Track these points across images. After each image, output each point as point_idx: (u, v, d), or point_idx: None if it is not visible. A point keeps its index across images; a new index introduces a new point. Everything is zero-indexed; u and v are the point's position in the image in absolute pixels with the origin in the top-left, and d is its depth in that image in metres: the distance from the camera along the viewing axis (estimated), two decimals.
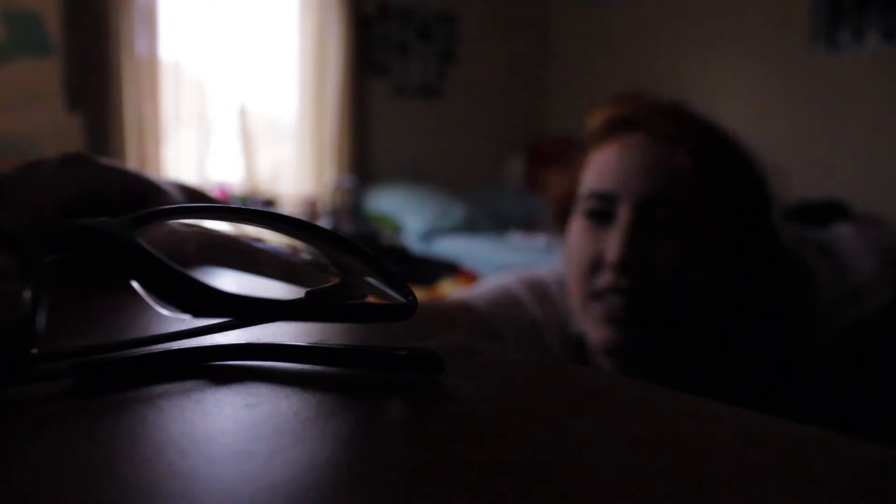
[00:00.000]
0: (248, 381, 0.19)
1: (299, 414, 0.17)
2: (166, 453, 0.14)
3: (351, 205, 3.40)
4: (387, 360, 0.20)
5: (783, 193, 0.78)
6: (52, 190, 0.31)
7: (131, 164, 2.83)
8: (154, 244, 0.19)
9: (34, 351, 0.17)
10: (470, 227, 3.12)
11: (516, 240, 2.89)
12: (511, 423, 0.17)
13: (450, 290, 2.53)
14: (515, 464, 0.15)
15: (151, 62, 3.03)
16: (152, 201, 0.34)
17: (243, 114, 3.28)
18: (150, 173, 0.37)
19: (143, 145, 3.02)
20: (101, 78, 2.94)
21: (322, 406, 0.17)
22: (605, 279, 0.69)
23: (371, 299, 0.22)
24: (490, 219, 3.22)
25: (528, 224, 3.15)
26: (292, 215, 0.23)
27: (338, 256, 0.23)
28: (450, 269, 2.90)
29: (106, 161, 0.34)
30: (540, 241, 2.71)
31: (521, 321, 0.79)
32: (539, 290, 0.82)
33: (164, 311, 0.20)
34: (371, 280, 0.22)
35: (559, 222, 0.79)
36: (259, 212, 0.23)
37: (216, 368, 0.20)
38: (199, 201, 0.39)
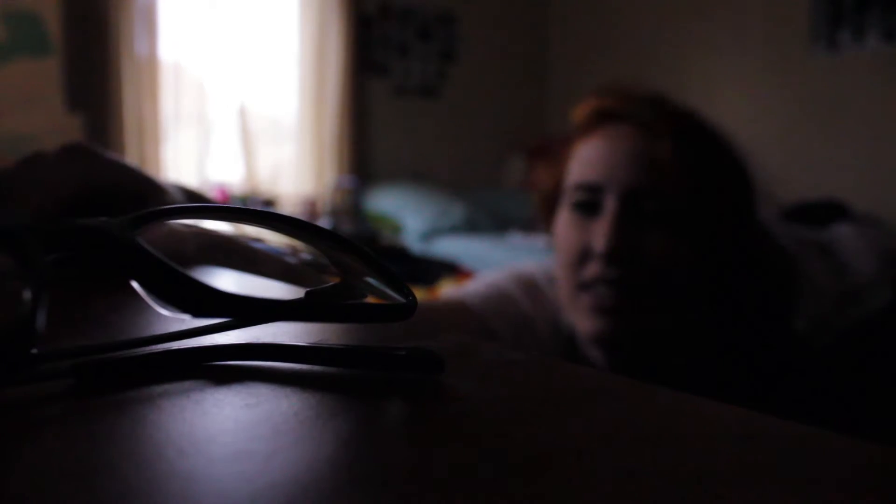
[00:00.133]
0: (248, 381, 0.19)
1: (299, 414, 0.17)
2: (166, 453, 0.14)
3: (351, 205, 3.40)
4: (387, 360, 0.20)
5: (781, 193, 0.78)
6: (54, 184, 0.31)
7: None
8: (154, 244, 0.19)
9: (34, 351, 0.17)
10: (470, 227, 3.12)
11: (516, 240, 2.89)
12: (511, 423, 0.17)
13: (449, 290, 2.53)
14: (515, 464, 0.15)
15: (151, 62, 3.03)
16: (152, 198, 0.34)
17: (243, 114, 3.28)
18: (150, 172, 0.37)
19: (143, 145, 3.02)
20: (101, 78, 2.94)
21: (322, 406, 0.17)
22: (593, 269, 0.70)
23: (371, 299, 0.22)
24: (490, 219, 3.22)
25: (528, 224, 3.15)
26: (292, 215, 0.23)
27: (338, 256, 0.23)
28: (450, 269, 2.90)
29: (106, 154, 0.34)
30: (540, 241, 2.71)
31: (514, 317, 0.80)
32: (529, 285, 0.82)
33: (163, 311, 0.20)
34: (371, 280, 0.22)
35: (545, 216, 0.79)
36: (259, 212, 0.23)
37: (216, 368, 0.20)
38: (197, 202, 0.39)
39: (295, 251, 0.36)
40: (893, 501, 0.14)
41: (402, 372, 0.20)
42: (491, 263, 2.68)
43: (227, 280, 0.33)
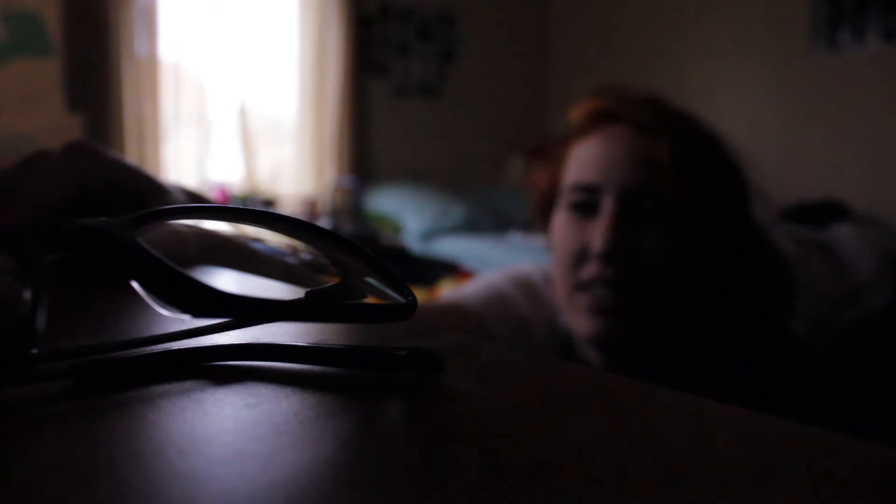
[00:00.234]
0: (248, 381, 0.19)
1: (299, 414, 0.17)
2: (166, 453, 0.14)
3: (351, 205, 3.40)
4: (387, 360, 0.20)
5: (781, 193, 0.79)
6: (55, 183, 0.31)
7: None
8: (154, 244, 0.19)
9: (34, 351, 0.17)
10: (470, 227, 3.12)
11: (516, 240, 2.89)
12: (511, 423, 0.17)
13: (449, 290, 2.53)
14: (515, 464, 0.15)
15: (151, 62, 3.03)
16: (153, 198, 0.34)
17: (243, 114, 3.28)
18: (150, 172, 0.37)
19: (143, 145, 3.02)
20: (101, 78, 2.94)
21: (322, 406, 0.17)
22: (590, 270, 0.70)
23: (371, 299, 0.22)
24: (490, 219, 3.22)
25: (528, 224, 3.15)
26: (292, 215, 0.23)
27: (338, 256, 0.23)
28: (450, 269, 2.90)
29: (108, 152, 0.34)
30: (540, 240, 2.71)
31: (512, 319, 0.80)
32: (527, 286, 0.83)
33: (163, 311, 0.20)
34: (371, 280, 0.22)
35: (542, 217, 0.79)
36: (259, 212, 0.23)
37: (216, 368, 0.20)
38: (197, 202, 0.39)
39: (295, 251, 0.36)
40: (893, 501, 0.14)
41: (402, 372, 0.20)
42: (491, 263, 2.67)
43: (227, 280, 0.33)
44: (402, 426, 0.17)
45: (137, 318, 0.25)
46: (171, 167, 3.12)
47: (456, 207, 3.20)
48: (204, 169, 3.22)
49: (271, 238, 0.34)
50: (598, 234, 0.69)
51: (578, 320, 0.72)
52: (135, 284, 0.19)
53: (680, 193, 0.70)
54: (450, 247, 3.00)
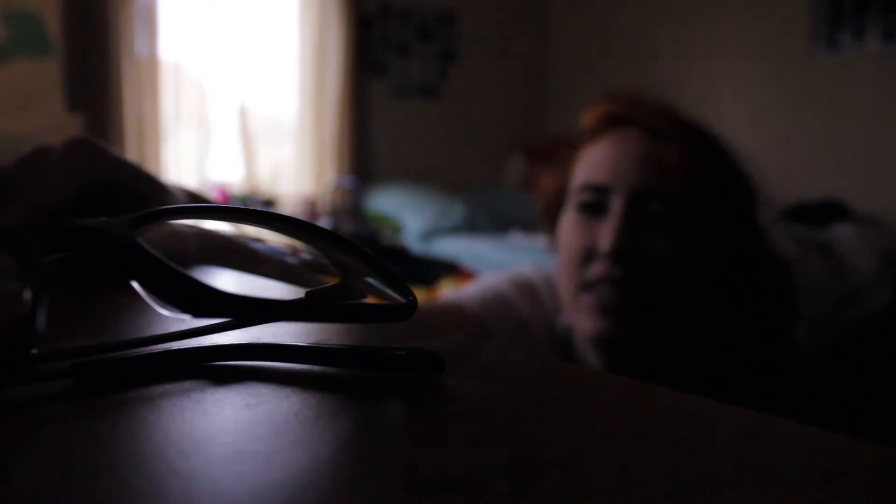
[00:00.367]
0: (248, 381, 0.19)
1: (299, 414, 0.17)
2: (166, 453, 0.14)
3: (351, 205, 3.40)
4: (387, 360, 0.20)
5: (781, 193, 0.79)
6: (57, 181, 0.31)
7: None
8: (154, 244, 0.19)
9: (34, 351, 0.17)
10: (470, 227, 3.12)
11: (516, 240, 2.89)
12: (511, 423, 0.17)
13: (449, 290, 2.53)
14: (515, 464, 0.15)
15: (151, 62, 3.03)
16: (154, 197, 0.34)
17: (243, 114, 3.28)
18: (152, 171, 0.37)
19: (143, 145, 3.02)
20: (101, 78, 2.94)
21: (322, 406, 0.17)
22: (596, 269, 0.70)
23: (371, 299, 0.22)
24: (490, 219, 3.22)
25: (528, 224, 3.15)
26: (292, 215, 0.23)
27: (338, 256, 0.23)
28: (450, 269, 2.90)
29: (110, 150, 0.34)
30: (540, 241, 2.71)
31: (510, 320, 0.80)
32: (526, 288, 0.83)
33: (163, 312, 0.20)
34: (371, 280, 0.22)
35: (549, 219, 0.80)
36: (259, 212, 0.23)
37: (216, 368, 0.20)
38: (198, 202, 0.39)
39: (295, 251, 0.36)
40: (893, 501, 0.14)
41: (402, 372, 0.20)
42: (491, 263, 2.68)
43: (227, 280, 0.33)
44: (402, 426, 0.17)
45: (137, 318, 0.25)
46: (171, 167, 3.12)
47: (456, 207, 3.20)
48: (204, 169, 3.22)
49: (271, 238, 0.34)
50: (605, 233, 0.70)
51: (582, 320, 0.72)
52: (135, 284, 0.19)
53: (688, 196, 0.70)
54: (450, 247, 3.00)
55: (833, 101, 2.91)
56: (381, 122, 3.64)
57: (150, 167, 3.09)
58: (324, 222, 3.14)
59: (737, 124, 2.52)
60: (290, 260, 0.36)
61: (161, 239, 0.24)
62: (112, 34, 2.93)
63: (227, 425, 0.16)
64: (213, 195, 2.99)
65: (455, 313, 0.80)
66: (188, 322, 0.21)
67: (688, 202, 0.70)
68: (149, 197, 0.33)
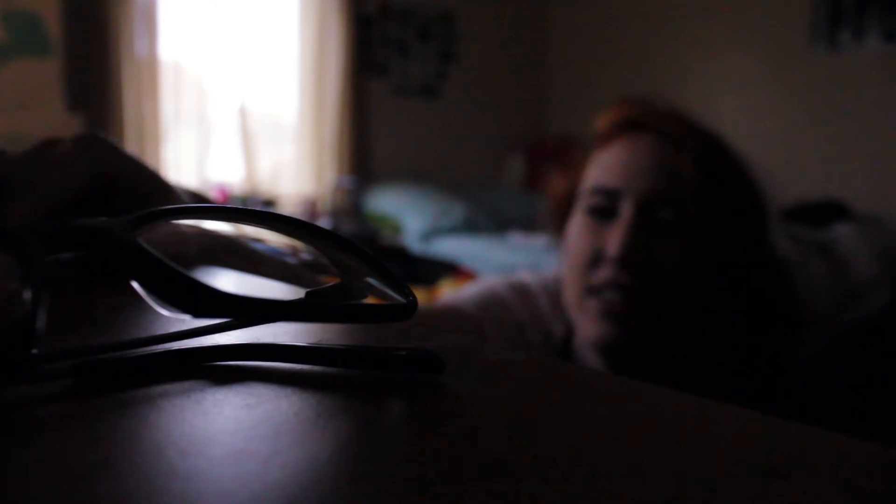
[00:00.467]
0: (248, 381, 0.19)
1: (299, 414, 0.17)
2: (166, 453, 0.14)
3: (351, 205, 3.40)
4: (387, 360, 0.20)
5: (781, 193, 0.79)
6: (67, 175, 0.31)
7: None
8: (154, 244, 0.19)
9: (34, 351, 0.17)
10: (470, 227, 3.12)
11: (516, 240, 2.89)
12: (511, 422, 0.17)
13: (449, 290, 2.53)
14: (515, 464, 0.15)
15: (151, 62, 3.03)
16: (159, 196, 0.34)
17: (243, 114, 3.28)
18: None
19: (143, 145, 3.02)
20: (101, 78, 2.94)
21: (322, 406, 0.17)
22: (604, 274, 0.70)
23: (371, 299, 0.22)
24: (490, 219, 3.22)
25: (528, 224, 3.15)
26: (292, 215, 0.23)
27: (338, 256, 0.23)
28: (450, 269, 2.90)
29: (120, 146, 0.34)
30: (540, 241, 2.71)
31: (506, 322, 0.80)
32: (523, 292, 0.83)
33: (164, 312, 0.20)
34: (371, 280, 0.22)
35: (557, 221, 0.79)
36: (259, 212, 0.23)
37: (216, 368, 0.20)
38: (200, 202, 0.39)
39: (295, 251, 0.36)
40: (893, 501, 0.14)
41: (402, 372, 0.20)
42: (491, 263, 2.68)
43: (227, 280, 0.33)
44: (402, 426, 0.17)
45: (137, 318, 0.25)
46: (171, 167, 3.12)
47: (456, 207, 3.20)
48: (204, 169, 3.21)
49: (271, 238, 0.34)
50: (614, 238, 0.69)
51: (587, 324, 0.72)
52: (135, 284, 0.19)
53: (699, 205, 0.70)
54: (450, 247, 3.00)
55: (833, 100, 2.91)
56: (381, 122, 3.64)
57: None
58: (324, 222, 3.14)
59: (737, 124, 2.52)
60: (290, 260, 0.36)
61: (161, 239, 0.24)
62: (112, 34, 2.92)
63: (227, 425, 0.16)
64: (213, 195, 2.99)
65: (451, 315, 0.80)
66: (188, 322, 0.21)
67: (698, 210, 0.70)
68: (153, 196, 0.33)
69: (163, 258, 0.19)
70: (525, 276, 0.86)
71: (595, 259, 0.71)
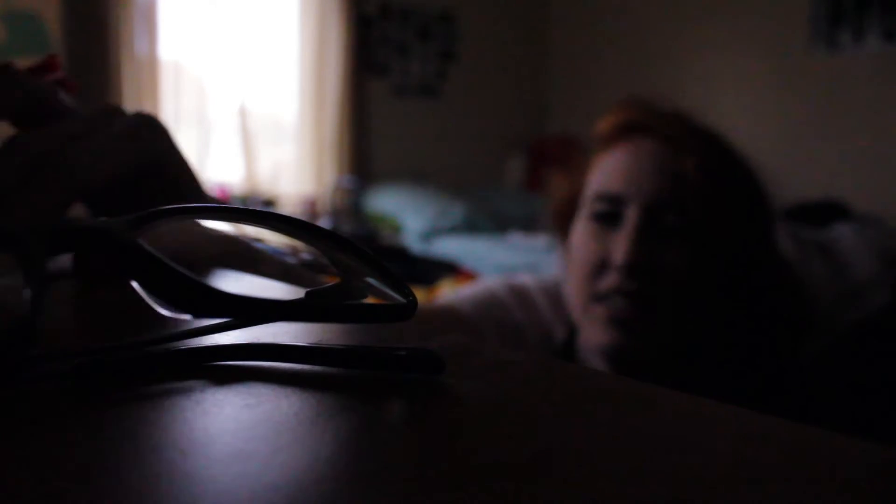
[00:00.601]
0: (248, 381, 0.19)
1: (299, 414, 0.17)
2: (166, 453, 0.14)
3: (351, 205, 3.40)
4: (387, 361, 0.20)
5: (779, 195, 0.78)
6: (115, 151, 0.30)
7: None
8: (155, 244, 0.19)
9: (34, 351, 0.17)
10: (470, 227, 3.12)
11: (516, 240, 2.89)
12: (511, 423, 0.17)
13: (449, 290, 2.53)
14: (515, 464, 0.15)
15: (151, 62, 3.03)
16: (190, 192, 0.34)
17: (243, 114, 3.28)
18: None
19: None
20: (101, 78, 2.93)
21: (322, 406, 0.17)
22: (610, 281, 0.69)
23: (371, 299, 0.22)
24: (490, 219, 3.21)
25: (528, 224, 3.15)
26: (292, 215, 0.23)
27: (338, 256, 0.23)
28: (450, 269, 2.90)
29: (170, 134, 0.34)
30: (540, 241, 2.71)
31: (504, 323, 0.79)
32: (523, 295, 0.82)
33: (164, 312, 0.20)
34: (371, 280, 0.22)
35: (560, 225, 0.79)
36: (259, 212, 0.23)
37: (216, 368, 0.20)
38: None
39: (295, 251, 0.36)
40: (893, 501, 0.14)
41: (402, 372, 0.20)
42: (491, 263, 2.68)
43: (227, 280, 0.33)
44: (402, 426, 0.17)
45: (137, 318, 0.25)
46: None
47: (456, 207, 3.20)
48: (204, 169, 3.21)
49: (271, 238, 0.34)
50: (619, 245, 0.69)
51: (593, 331, 0.71)
52: (135, 284, 0.19)
53: (705, 209, 0.69)
54: (450, 247, 3.00)
55: (833, 100, 2.91)
56: (381, 122, 3.64)
57: None
58: (324, 222, 3.14)
59: (736, 124, 2.52)
60: (291, 260, 0.36)
61: (162, 239, 0.24)
62: (112, 34, 2.92)
63: (227, 425, 0.16)
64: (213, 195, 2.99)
65: (448, 315, 0.79)
66: (188, 322, 0.21)
67: (703, 214, 0.69)
68: (188, 194, 0.33)
69: (163, 258, 0.19)
70: (524, 278, 0.86)
71: (600, 266, 0.70)
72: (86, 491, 0.13)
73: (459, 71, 3.84)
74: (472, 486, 0.14)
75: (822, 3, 2.90)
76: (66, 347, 0.19)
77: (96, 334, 0.24)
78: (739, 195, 0.73)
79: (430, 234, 3.10)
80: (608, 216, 0.71)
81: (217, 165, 3.26)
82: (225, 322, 0.22)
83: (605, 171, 0.73)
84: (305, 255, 0.36)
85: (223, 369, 0.20)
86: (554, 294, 0.81)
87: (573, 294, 0.74)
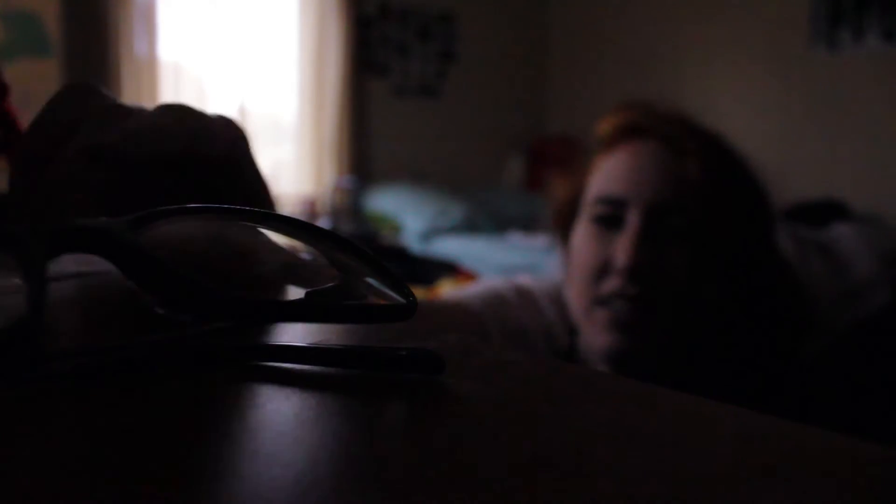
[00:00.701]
0: (248, 382, 0.19)
1: (299, 414, 0.17)
2: (166, 453, 0.14)
3: (351, 205, 3.40)
4: (387, 361, 0.20)
5: (779, 195, 0.78)
6: (159, 140, 0.31)
7: None
8: (154, 245, 0.19)
9: (35, 351, 0.17)
10: (470, 227, 3.12)
11: (516, 240, 2.89)
12: (511, 422, 0.17)
13: (449, 290, 2.53)
14: (515, 464, 0.15)
15: (151, 62, 3.03)
16: (260, 202, 0.33)
17: (243, 114, 3.28)
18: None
19: None
20: (101, 78, 2.93)
21: (322, 406, 0.17)
22: (612, 284, 0.69)
23: (371, 300, 0.22)
24: (490, 219, 3.21)
25: (528, 224, 3.15)
26: (292, 215, 0.23)
27: (338, 256, 0.23)
28: (450, 269, 2.90)
29: (249, 144, 0.33)
30: (540, 241, 2.71)
31: (509, 322, 0.79)
32: (527, 296, 0.82)
33: (163, 313, 0.20)
34: (371, 280, 0.22)
35: (561, 228, 0.79)
36: (259, 212, 0.23)
37: (216, 369, 0.20)
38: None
39: (295, 251, 0.36)
40: (893, 501, 0.14)
41: (402, 372, 0.20)
42: (491, 263, 2.68)
43: (227, 281, 0.33)
44: (402, 426, 0.17)
45: (137, 318, 0.25)
46: None
47: (456, 207, 3.20)
48: None
49: (273, 238, 0.34)
50: (621, 248, 0.68)
51: (595, 335, 0.71)
52: (135, 285, 0.19)
53: (706, 212, 0.69)
54: (449, 247, 3.00)
55: (833, 100, 2.91)
56: (381, 122, 3.64)
57: None
58: (323, 222, 3.14)
59: (736, 124, 2.52)
60: (291, 260, 0.36)
61: (161, 240, 0.24)
62: (112, 34, 2.92)
63: (227, 426, 0.16)
64: None
65: (456, 310, 0.79)
66: (188, 323, 0.21)
67: (706, 217, 0.69)
68: (253, 198, 0.33)
69: (162, 259, 0.19)
70: (526, 280, 0.86)
71: (602, 269, 0.70)
72: (86, 491, 0.13)
73: (459, 71, 3.84)
74: (472, 486, 0.14)
75: (822, 3, 2.90)
76: (67, 348, 0.19)
77: (96, 334, 0.24)
78: (740, 196, 0.73)
79: (429, 234, 3.10)
80: (610, 219, 0.71)
81: None
82: (225, 323, 0.22)
83: (607, 174, 0.73)
84: (305, 255, 0.36)
85: (223, 370, 0.20)
86: (556, 297, 0.81)
87: (574, 297, 0.74)
